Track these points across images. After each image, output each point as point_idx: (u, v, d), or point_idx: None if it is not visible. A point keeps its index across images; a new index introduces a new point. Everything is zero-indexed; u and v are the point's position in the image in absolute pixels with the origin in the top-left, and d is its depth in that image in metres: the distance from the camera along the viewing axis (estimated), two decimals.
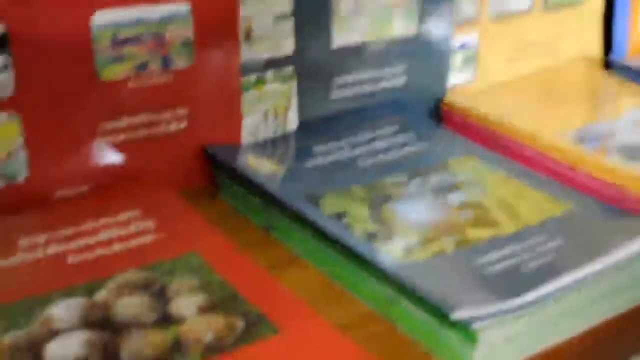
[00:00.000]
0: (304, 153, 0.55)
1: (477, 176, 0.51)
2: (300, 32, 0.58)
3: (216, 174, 0.56)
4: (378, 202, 0.48)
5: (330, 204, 0.48)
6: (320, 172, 0.52)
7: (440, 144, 0.58)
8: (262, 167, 0.53)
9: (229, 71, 0.57)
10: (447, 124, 0.63)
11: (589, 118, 0.66)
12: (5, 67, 0.47)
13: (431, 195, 0.49)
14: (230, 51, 0.56)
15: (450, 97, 0.64)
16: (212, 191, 0.57)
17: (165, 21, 0.52)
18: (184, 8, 0.53)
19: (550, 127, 0.57)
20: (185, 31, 0.53)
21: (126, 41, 0.51)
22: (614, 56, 0.78)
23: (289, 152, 0.56)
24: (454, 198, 0.49)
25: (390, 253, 0.42)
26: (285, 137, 0.58)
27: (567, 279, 0.38)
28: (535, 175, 0.52)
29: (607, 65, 0.78)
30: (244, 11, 0.56)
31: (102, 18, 0.50)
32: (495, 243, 0.42)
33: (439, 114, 0.64)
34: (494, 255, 0.41)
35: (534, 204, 0.47)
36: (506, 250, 0.41)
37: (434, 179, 0.51)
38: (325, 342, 0.38)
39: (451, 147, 0.56)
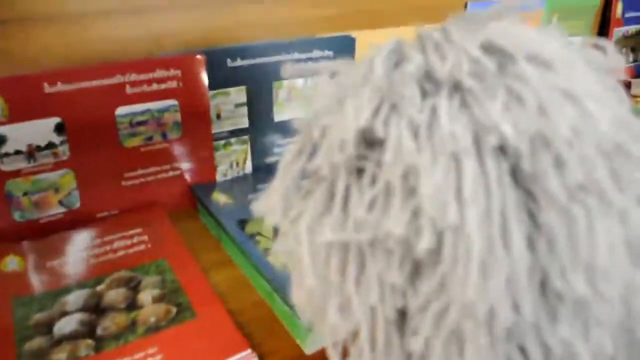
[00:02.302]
0: (251, 189, 0.56)
1: None
2: (252, 113, 0.58)
3: (197, 203, 0.57)
4: None
5: (252, 227, 0.49)
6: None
7: None
8: (220, 200, 0.54)
9: (205, 139, 0.57)
10: None
11: None
12: (63, 142, 0.50)
13: None
14: (205, 127, 0.57)
15: None
16: (194, 213, 0.57)
17: (163, 111, 0.54)
18: (174, 102, 0.54)
19: None
20: (175, 116, 0.55)
21: (138, 123, 0.53)
22: None
23: (242, 189, 0.57)
24: None
25: (275, 262, 0.42)
26: (243, 178, 0.59)
27: None
28: None
29: None
30: (215, 102, 0.55)
31: (122, 110, 0.52)
32: None
33: None
34: None
35: None
36: None
37: None
38: (220, 325, 0.40)
39: None
